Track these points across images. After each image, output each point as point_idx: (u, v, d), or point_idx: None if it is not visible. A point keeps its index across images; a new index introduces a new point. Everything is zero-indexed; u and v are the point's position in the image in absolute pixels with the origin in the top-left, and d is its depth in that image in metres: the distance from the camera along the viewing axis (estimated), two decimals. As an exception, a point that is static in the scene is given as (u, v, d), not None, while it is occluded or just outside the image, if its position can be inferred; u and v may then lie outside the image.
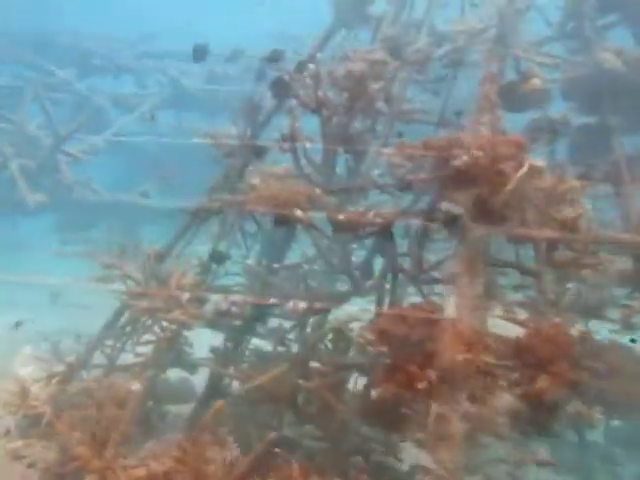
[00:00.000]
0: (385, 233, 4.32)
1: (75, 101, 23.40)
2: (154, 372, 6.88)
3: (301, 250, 6.94)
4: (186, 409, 8.14)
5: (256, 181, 4.98)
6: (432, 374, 3.27)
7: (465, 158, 3.70)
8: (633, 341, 3.99)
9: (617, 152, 5.68)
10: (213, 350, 7.66)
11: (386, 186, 5.16)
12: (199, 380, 8.20)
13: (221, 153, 7.18)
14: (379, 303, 4.26)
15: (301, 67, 5.22)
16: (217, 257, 6.60)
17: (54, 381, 7.29)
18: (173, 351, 6.68)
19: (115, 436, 5.84)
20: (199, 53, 7.30)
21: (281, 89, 6.24)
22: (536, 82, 4.96)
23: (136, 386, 7.31)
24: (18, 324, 10.87)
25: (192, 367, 7.70)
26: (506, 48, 4.61)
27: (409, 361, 3.32)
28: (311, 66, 4.31)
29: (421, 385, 3.24)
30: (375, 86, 5.45)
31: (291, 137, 4.27)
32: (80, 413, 6.54)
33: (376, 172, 4.74)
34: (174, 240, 7.31)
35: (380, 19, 7.16)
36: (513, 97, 4.87)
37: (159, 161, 22.30)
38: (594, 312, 5.77)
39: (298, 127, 4.30)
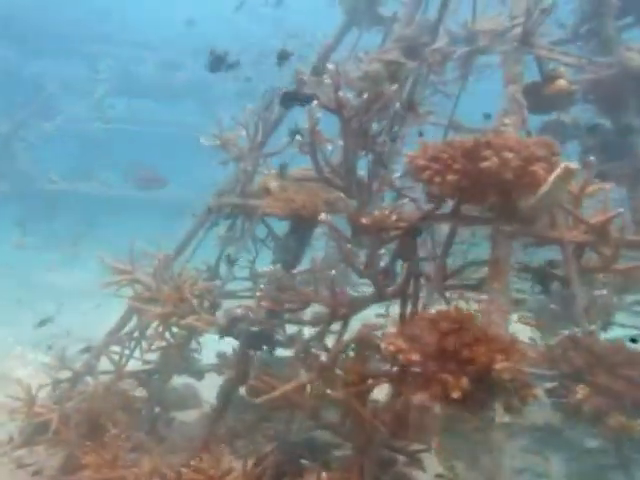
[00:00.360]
0: (408, 237, 4.22)
1: (24, 85, 22.83)
2: (163, 379, 6.79)
3: (311, 255, 6.84)
4: (190, 415, 8.05)
5: (274, 184, 4.87)
6: (466, 383, 3.16)
7: (495, 159, 3.60)
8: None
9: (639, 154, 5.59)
10: (219, 356, 7.57)
11: (406, 189, 5.09)
12: (203, 386, 8.13)
13: (230, 156, 7.09)
14: (403, 309, 4.15)
15: (317, 71, 5.15)
16: (229, 260, 6.55)
17: (60, 387, 7.20)
18: (183, 358, 6.58)
19: (124, 443, 5.72)
20: (215, 63, 7.09)
21: (288, 101, 6.24)
22: (562, 83, 4.87)
23: (142, 392, 7.24)
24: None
25: (199, 373, 7.61)
26: (531, 48, 4.52)
27: (442, 369, 3.22)
28: (330, 66, 4.19)
29: (455, 394, 3.13)
30: (391, 87, 5.38)
31: (311, 139, 4.14)
32: (87, 419, 6.45)
33: (397, 174, 4.64)
34: (182, 244, 7.21)
35: (392, 19, 7.09)
36: (537, 98, 4.77)
37: (113, 152, 21.88)
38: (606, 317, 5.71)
39: (318, 129, 4.17)
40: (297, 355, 4.04)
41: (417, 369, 3.27)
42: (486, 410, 3.29)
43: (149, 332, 6.59)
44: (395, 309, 6.77)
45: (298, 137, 4.25)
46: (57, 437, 6.41)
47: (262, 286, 4.41)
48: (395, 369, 3.65)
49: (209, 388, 7.91)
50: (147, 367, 6.98)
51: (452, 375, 3.16)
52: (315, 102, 4.26)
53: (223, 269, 7.46)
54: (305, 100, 5.84)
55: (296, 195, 4.99)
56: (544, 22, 4.62)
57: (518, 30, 4.61)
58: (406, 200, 4.54)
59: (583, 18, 6.56)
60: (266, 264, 6.27)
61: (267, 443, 6.05)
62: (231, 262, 6.52)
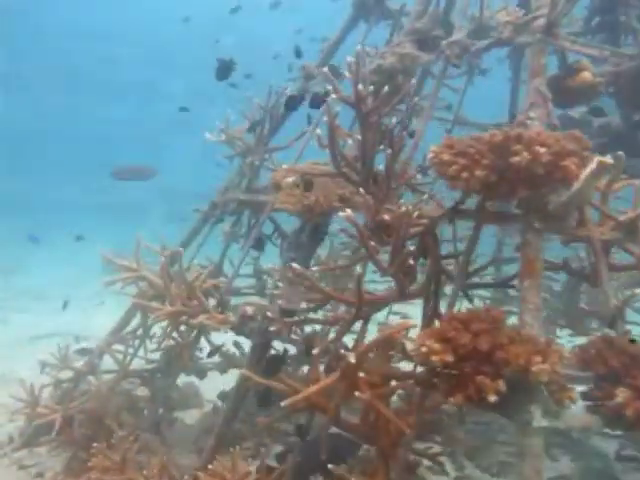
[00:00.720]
0: (430, 234, 4.11)
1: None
2: (168, 378, 6.69)
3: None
4: (192, 414, 7.97)
5: (289, 180, 4.74)
6: (503, 385, 3.06)
7: (526, 154, 3.49)
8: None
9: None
10: (223, 355, 7.46)
11: (423, 184, 5.00)
12: (203, 385, 8.03)
13: (235, 151, 6.99)
14: (426, 308, 4.03)
15: (334, 70, 5.08)
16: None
17: (61, 387, 7.08)
18: (190, 357, 6.47)
19: (132, 444, 5.62)
20: (222, 71, 6.99)
21: (292, 104, 6.19)
22: (586, 75, 4.77)
23: (144, 391, 7.14)
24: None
25: (201, 372, 7.52)
26: (555, 39, 4.41)
27: (477, 371, 3.11)
28: (349, 59, 4.06)
29: (492, 397, 3.02)
30: (406, 81, 5.28)
31: (330, 133, 4.02)
32: (91, 420, 6.34)
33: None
34: (187, 240, 7.10)
35: (400, 13, 6.98)
36: (560, 91, 4.66)
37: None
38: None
39: (337, 123, 4.04)
40: (319, 355, 3.91)
41: (451, 371, 3.17)
42: (522, 413, 3.19)
43: (155, 331, 6.50)
44: (404, 308, 6.70)
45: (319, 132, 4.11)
46: (60, 438, 6.29)
47: (279, 284, 4.26)
48: (422, 370, 3.54)
49: (210, 386, 7.84)
50: (151, 366, 6.87)
51: (488, 377, 3.06)
52: (334, 95, 4.12)
53: (228, 266, 7.36)
54: (313, 105, 5.79)
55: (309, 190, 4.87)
56: (569, 13, 4.54)
57: (541, 21, 4.50)
58: (425, 196, 4.43)
59: (595, 10, 6.46)
60: (269, 261, 6.17)
61: (274, 445, 5.98)
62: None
